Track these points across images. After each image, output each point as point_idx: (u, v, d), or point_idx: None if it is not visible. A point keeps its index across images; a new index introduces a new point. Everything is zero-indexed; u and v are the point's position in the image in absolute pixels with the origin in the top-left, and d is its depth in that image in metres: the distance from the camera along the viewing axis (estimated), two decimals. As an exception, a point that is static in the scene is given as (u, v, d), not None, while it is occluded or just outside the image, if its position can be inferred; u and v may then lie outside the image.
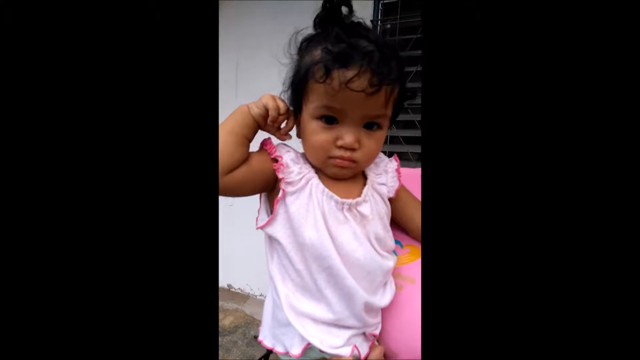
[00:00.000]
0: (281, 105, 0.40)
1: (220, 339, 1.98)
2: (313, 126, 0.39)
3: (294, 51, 0.42)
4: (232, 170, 0.38)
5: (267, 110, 0.40)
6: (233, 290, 2.53)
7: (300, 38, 0.42)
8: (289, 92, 0.41)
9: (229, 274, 2.58)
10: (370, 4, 1.84)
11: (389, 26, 1.85)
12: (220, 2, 2.40)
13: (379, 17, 1.82)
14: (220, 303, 2.37)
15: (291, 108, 0.42)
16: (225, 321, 2.18)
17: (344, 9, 0.39)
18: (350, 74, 0.36)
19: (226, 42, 2.45)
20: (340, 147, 0.39)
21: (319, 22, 0.40)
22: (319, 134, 0.39)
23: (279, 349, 0.40)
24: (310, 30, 0.42)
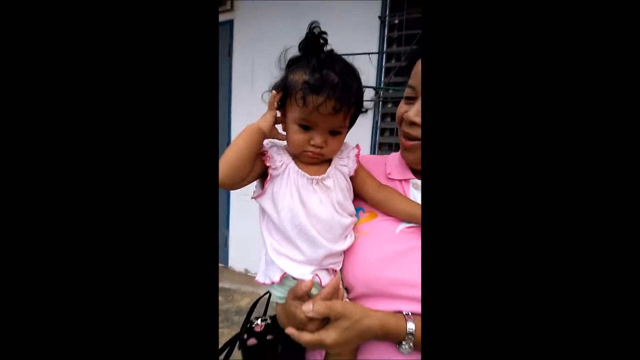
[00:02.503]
0: (275, 113, 0.53)
1: (237, 317, 2.14)
2: (294, 128, 0.53)
3: (283, 65, 0.54)
4: (247, 177, 0.54)
5: (273, 121, 0.53)
6: (249, 274, 2.68)
7: (288, 55, 0.55)
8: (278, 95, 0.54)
9: (246, 260, 2.74)
10: (379, 2, 1.91)
11: (397, 21, 1.92)
12: (235, 2, 2.52)
13: (387, 13, 1.90)
14: (238, 286, 2.54)
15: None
16: (242, 302, 2.35)
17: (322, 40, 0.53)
18: (320, 100, 0.49)
19: (242, 41, 2.58)
20: (312, 145, 0.53)
21: (302, 47, 0.51)
22: (297, 135, 0.53)
23: (267, 281, 0.55)
24: (295, 50, 0.55)
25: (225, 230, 2.73)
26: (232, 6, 2.50)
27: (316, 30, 0.51)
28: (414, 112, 0.55)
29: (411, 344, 0.46)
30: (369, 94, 1.84)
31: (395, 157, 0.65)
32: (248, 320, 0.65)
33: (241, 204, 2.69)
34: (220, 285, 2.44)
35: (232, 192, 2.76)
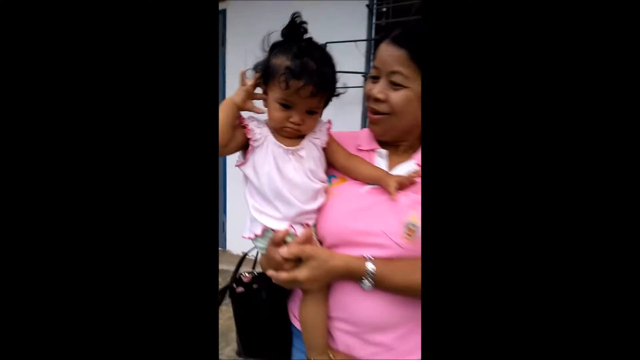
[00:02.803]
0: (247, 88, 0.61)
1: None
2: (275, 106, 0.60)
3: (266, 47, 0.61)
4: (228, 144, 0.62)
5: (247, 95, 0.61)
6: (247, 257, 2.79)
7: (271, 39, 0.62)
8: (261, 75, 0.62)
9: (243, 244, 2.83)
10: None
11: (384, 9, 1.98)
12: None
13: (375, 1, 1.96)
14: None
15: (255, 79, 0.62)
16: (240, 283, 2.45)
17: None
18: (300, 84, 0.55)
19: (234, 30, 2.62)
20: (291, 122, 0.61)
21: (284, 34, 0.59)
22: (278, 112, 0.59)
23: (251, 235, 0.64)
24: (277, 35, 0.62)
25: (222, 216, 2.83)
26: (224, -4, 2.55)
27: (298, 20, 0.59)
28: (377, 89, 0.62)
29: (371, 281, 0.56)
30: (358, 80, 1.91)
31: (365, 131, 0.74)
32: (237, 272, 0.74)
33: (238, 191, 2.77)
34: (220, 267, 2.55)
35: (229, 180, 2.85)
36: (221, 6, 2.58)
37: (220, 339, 1.85)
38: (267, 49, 0.62)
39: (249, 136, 0.61)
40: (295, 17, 0.59)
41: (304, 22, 0.59)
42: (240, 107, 0.61)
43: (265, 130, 0.62)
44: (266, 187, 0.60)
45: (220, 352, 1.78)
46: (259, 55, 0.62)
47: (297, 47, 0.57)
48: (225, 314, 2.06)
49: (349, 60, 1.77)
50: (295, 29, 0.59)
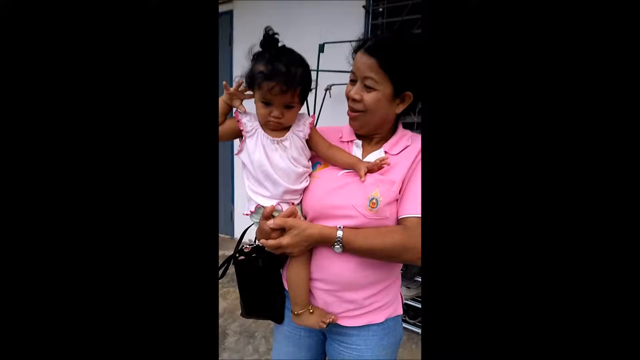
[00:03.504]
0: (231, 91, 0.76)
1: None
2: (259, 104, 0.73)
3: (250, 57, 0.76)
4: (221, 134, 0.77)
5: (229, 97, 0.77)
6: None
7: (254, 51, 0.76)
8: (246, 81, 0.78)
9: (249, 232, 3.01)
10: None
11: (380, 9, 2.09)
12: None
13: (371, 2, 2.06)
14: (243, 255, 2.82)
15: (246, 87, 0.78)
16: (246, 269, 2.63)
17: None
18: (271, 84, 0.68)
19: (241, 30, 2.77)
20: (272, 117, 0.72)
21: (262, 45, 0.74)
22: (262, 110, 0.72)
23: (247, 212, 0.80)
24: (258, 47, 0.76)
25: (230, 205, 3.00)
26: (231, -2, 2.69)
27: (270, 32, 0.73)
28: (354, 90, 0.75)
29: (341, 245, 0.70)
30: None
31: (346, 126, 0.88)
32: (240, 243, 0.90)
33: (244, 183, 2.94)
34: (229, 253, 2.73)
35: (236, 172, 3.01)
36: (228, 7, 2.72)
37: (227, 316, 2.03)
38: (251, 59, 0.76)
39: (241, 128, 0.75)
40: (268, 30, 0.73)
41: (276, 34, 0.73)
42: (228, 103, 0.76)
43: (256, 124, 0.76)
44: (257, 171, 0.74)
45: (227, 327, 1.95)
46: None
47: (269, 54, 0.71)
48: (233, 295, 2.24)
49: (345, 59, 1.89)
50: (269, 40, 0.73)
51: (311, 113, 1.99)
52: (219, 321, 1.98)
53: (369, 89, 0.73)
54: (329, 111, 2.01)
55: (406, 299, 1.93)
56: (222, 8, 2.72)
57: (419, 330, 1.98)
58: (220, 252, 2.59)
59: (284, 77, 0.69)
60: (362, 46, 0.75)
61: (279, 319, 0.87)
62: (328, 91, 2.05)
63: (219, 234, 3.13)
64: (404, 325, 1.82)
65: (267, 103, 0.73)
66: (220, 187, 2.97)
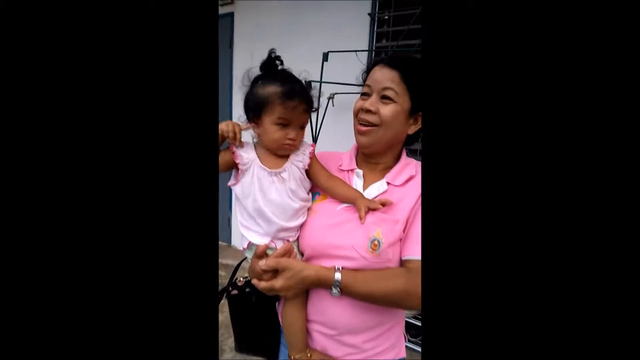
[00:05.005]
0: (224, 128, 0.69)
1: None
2: (272, 128, 0.68)
3: (247, 82, 0.69)
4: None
5: (234, 137, 0.71)
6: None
7: (251, 75, 0.71)
8: (247, 113, 0.72)
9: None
10: (369, 1, 2.02)
11: (386, 17, 2.03)
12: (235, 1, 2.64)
13: (376, 10, 2.00)
14: (241, 263, 2.77)
15: (247, 124, 0.72)
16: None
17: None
18: (295, 103, 0.65)
19: (241, 33, 2.71)
20: (289, 139, 0.69)
21: (263, 67, 0.68)
22: (277, 133, 0.67)
23: (240, 247, 0.74)
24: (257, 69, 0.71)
25: (228, 212, 2.95)
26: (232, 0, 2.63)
27: (273, 55, 0.68)
28: (370, 102, 0.70)
29: (338, 289, 0.65)
30: (358, 88, 1.97)
31: (347, 153, 0.82)
32: (233, 277, 0.85)
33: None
34: (225, 261, 2.68)
35: (236, 177, 2.96)
36: (229, 9, 2.66)
37: (224, 331, 1.98)
38: (248, 83, 0.71)
39: (237, 161, 0.70)
40: (271, 53, 0.69)
41: (278, 58, 0.69)
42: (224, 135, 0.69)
43: (253, 155, 0.71)
44: (250, 207, 0.69)
45: (223, 342, 1.90)
46: (264, 57, 0.69)
47: (282, 75, 0.67)
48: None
49: (349, 68, 1.83)
50: (272, 62, 0.69)
51: (314, 123, 1.93)
52: (215, 334, 1.93)
53: (387, 100, 0.69)
54: (331, 119, 1.96)
55: (407, 317, 1.88)
56: (222, 10, 2.66)
57: (420, 349, 1.93)
58: (218, 261, 2.55)
59: (306, 95, 0.66)
60: (380, 61, 0.72)
61: (272, 358, 0.82)
62: (331, 100, 1.99)
63: (217, 240, 3.08)
64: (405, 344, 1.77)
65: (284, 125, 0.68)
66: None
